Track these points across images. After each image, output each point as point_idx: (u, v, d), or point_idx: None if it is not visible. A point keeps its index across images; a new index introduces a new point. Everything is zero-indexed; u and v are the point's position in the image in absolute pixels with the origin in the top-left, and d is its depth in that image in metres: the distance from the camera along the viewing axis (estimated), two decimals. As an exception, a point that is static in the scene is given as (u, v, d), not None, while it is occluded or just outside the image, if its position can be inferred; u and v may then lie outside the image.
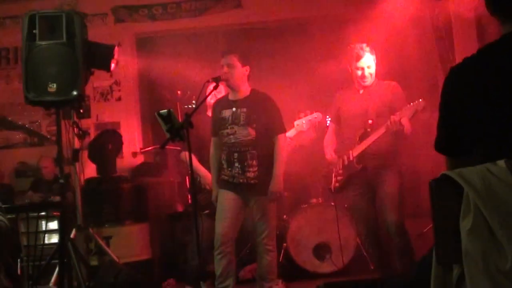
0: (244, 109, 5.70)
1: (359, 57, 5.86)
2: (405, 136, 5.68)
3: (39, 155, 8.66)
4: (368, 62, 5.87)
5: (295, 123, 6.28)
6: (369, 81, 5.89)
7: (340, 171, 5.97)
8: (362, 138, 5.76)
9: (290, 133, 6.40)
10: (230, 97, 5.87)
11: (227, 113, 5.77)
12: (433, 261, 2.59)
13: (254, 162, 5.65)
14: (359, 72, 5.87)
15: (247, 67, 5.80)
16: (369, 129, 5.74)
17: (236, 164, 5.69)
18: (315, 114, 6.49)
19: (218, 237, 5.69)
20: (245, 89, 5.81)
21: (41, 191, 8.12)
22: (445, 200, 2.56)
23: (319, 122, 6.70)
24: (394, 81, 5.98)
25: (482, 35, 7.07)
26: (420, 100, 5.42)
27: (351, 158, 5.82)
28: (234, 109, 5.74)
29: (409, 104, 5.48)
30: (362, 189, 5.92)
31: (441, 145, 2.96)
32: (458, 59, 2.89)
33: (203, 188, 6.35)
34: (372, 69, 5.90)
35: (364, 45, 5.89)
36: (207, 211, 6.15)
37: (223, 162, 5.80)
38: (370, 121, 5.75)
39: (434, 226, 2.59)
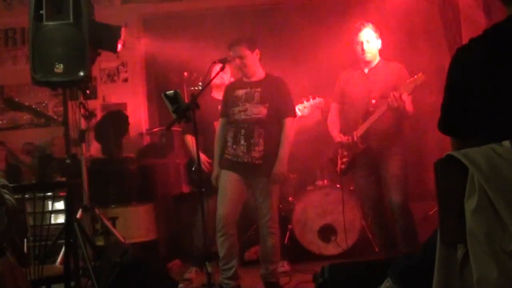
0: (259, 89, 5.70)
1: (358, 31, 5.84)
2: (406, 114, 5.67)
3: (46, 135, 8.70)
4: (367, 36, 5.83)
5: (297, 107, 6.25)
6: (369, 56, 5.85)
7: (345, 153, 5.96)
8: (365, 118, 5.74)
9: None
10: (245, 79, 5.86)
11: (241, 92, 5.76)
12: (437, 241, 2.60)
13: (261, 141, 5.63)
14: (359, 47, 5.85)
15: (257, 51, 5.80)
16: (371, 109, 5.71)
17: (242, 142, 5.66)
18: (317, 100, 6.45)
19: (220, 220, 5.68)
20: (259, 73, 5.81)
21: (51, 167, 8.12)
22: (450, 180, 2.56)
23: (324, 106, 6.67)
24: (400, 63, 5.96)
25: (490, 18, 7.04)
26: (420, 74, 5.39)
27: (355, 138, 5.80)
28: (248, 89, 5.73)
29: (408, 79, 5.47)
30: (367, 171, 5.91)
31: (445, 126, 2.96)
32: (465, 41, 2.88)
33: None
34: (373, 45, 5.85)
35: (367, 23, 5.88)
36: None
37: (229, 139, 5.76)
38: (373, 101, 5.72)
39: (439, 206, 2.60)
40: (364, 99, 5.81)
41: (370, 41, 5.83)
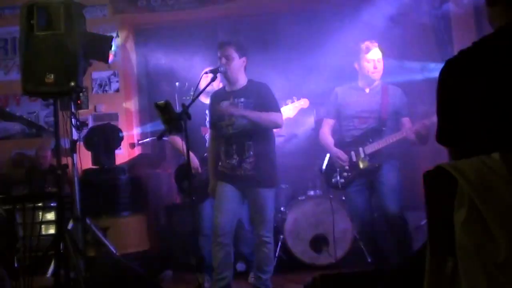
0: (242, 99, 5.70)
1: (368, 50, 5.85)
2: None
3: (37, 145, 8.65)
4: (378, 55, 5.86)
5: (282, 109, 6.24)
6: (379, 75, 5.87)
7: (347, 168, 5.93)
8: (375, 136, 5.78)
9: None
10: (227, 88, 5.86)
11: (225, 104, 5.76)
12: (427, 253, 2.59)
13: (251, 153, 5.65)
14: (370, 65, 5.85)
15: (244, 58, 5.80)
16: (384, 128, 5.75)
17: (235, 156, 5.68)
18: (302, 101, 6.44)
19: (217, 229, 5.70)
20: (242, 80, 5.81)
21: (36, 181, 8.10)
22: (439, 192, 2.56)
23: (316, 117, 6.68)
24: (392, 83, 6.02)
25: (481, 30, 7.06)
26: None
27: (362, 155, 5.81)
28: (231, 99, 5.73)
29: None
30: (360, 186, 5.91)
31: (441, 137, 2.95)
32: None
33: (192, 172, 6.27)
34: (381, 65, 5.88)
35: (374, 43, 5.90)
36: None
37: (221, 154, 5.80)
38: (385, 120, 5.77)
39: (427, 218, 2.60)
40: (368, 117, 5.85)
41: (380, 60, 5.86)
